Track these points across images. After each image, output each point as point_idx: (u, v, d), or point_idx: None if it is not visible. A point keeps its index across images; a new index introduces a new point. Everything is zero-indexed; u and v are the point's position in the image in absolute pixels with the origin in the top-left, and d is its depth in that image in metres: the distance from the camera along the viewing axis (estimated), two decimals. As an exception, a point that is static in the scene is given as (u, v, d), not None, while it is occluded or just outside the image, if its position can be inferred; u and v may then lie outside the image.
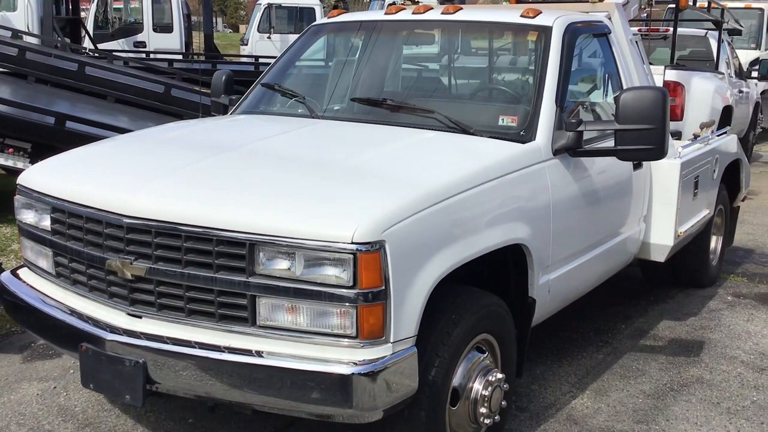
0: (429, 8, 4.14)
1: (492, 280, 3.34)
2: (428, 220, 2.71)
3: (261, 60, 12.81)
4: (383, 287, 2.53)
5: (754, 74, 11.42)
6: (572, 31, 3.88)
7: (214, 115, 4.51)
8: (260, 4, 18.32)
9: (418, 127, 3.55)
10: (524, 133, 3.49)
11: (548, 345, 4.54)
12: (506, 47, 4.22)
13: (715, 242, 5.86)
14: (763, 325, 4.98)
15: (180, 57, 14.05)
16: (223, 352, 2.64)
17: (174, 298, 2.74)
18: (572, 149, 3.52)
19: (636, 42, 4.75)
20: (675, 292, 5.61)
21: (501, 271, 3.38)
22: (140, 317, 2.81)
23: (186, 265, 2.68)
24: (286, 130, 3.58)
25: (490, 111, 3.74)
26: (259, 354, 2.61)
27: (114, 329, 2.81)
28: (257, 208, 2.65)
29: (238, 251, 2.60)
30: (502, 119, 3.58)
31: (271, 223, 2.57)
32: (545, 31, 3.80)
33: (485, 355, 3.11)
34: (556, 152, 3.51)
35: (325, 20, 4.52)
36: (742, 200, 6.31)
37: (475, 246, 2.93)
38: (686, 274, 5.60)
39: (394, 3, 5.16)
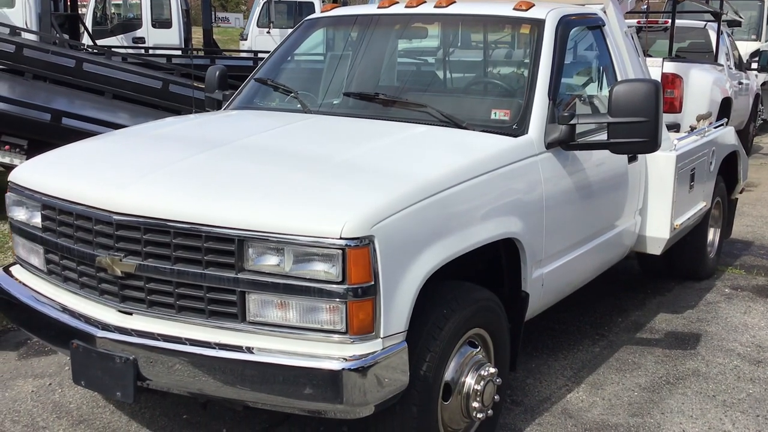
0: (422, 1, 4.12)
1: (484, 274, 3.33)
2: (419, 215, 2.71)
3: (260, 55, 12.79)
4: (372, 282, 2.52)
5: (754, 66, 11.38)
6: (565, 24, 3.86)
7: (208, 111, 4.51)
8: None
9: (410, 122, 3.54)
10: (516, 127, 3.47)
11: (544, 338, 4.53)
12: (499, 41, 4.21)
13: (713, 234, 5.85)
14: (760, 317, 4.97)
15: (179, 53, 14.04)
16: (214, 348, 2.63)
17: (164, 294, 2.73)
18: (565, 143, 3.51)
19: (631, 34, 4.73)
20: (672, 284, 5.60)
21: (494, 265, 3.37)
22: (131, 314, 2.81)
23: (175, 262, 2.68)
24: (278, 126, 3.57)
25: (483, 105, 3.73)
26: (249, 350, 2.60)
27: (105, 326, 2.81)
28: (246, 204, 2.64)
29: (227, 247, 2.59)
30: (495, 113, 3.57)
31: (260, 219, 2.56)
32: (538, 24, 3.79)
33: (478, 349, 3.11)
34: (549, 146, 3.50)
35: (318, 15, 4.51)
36: (740, 192, 6.29)
37: (467, 240, 2.92)
38: (684, 267, 5.59)
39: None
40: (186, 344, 2.67)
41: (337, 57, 4.32)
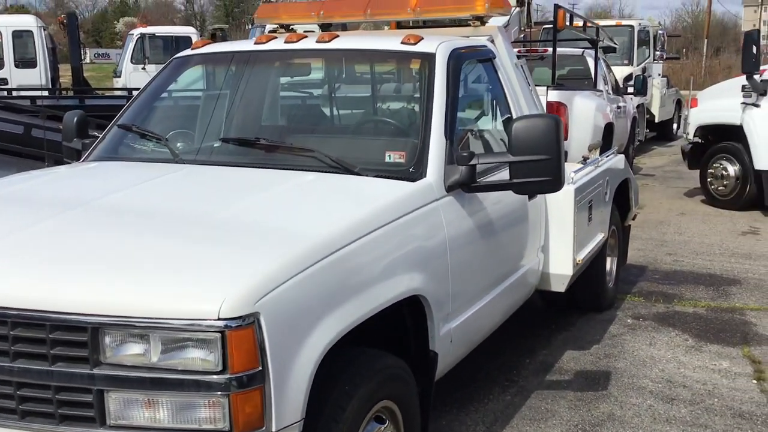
0: (303, 36, 3.79)
1: (387, 332, 2.99)
2: (311, 282, 2.34)
3: (136, 92, 12.08)
4: (260, 368, 2.13)
5: (630, 90, 11.75)
6: (456, 57, 3.62)
7: (67, 163, 3.98)
8: (132, 34, 17.53)
9: (297, 169, 3.19)
10: (414, 170, 3.18)
11: (452, 389, 4.23)
12: (388, 77, 3.93)
13: (611, 264, 5.77)
14: (665, 348, 4.88)
15: (46, 93, 13.11)
16: (68, 461, 2.15)
17: (3, 398, 2.23)
18: (466, 184, 3.24)
19: (521, 66, 4.57)
20: (575, 317, 5.46)
21: (396, 323, 3.04)
22: (-38, 424, 2.29)
23: (15, 358, 2.19)
24: (143, 180, 3.11)
25: (376, 147, 3.41)
26: (112, 461, 2.14)
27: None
28: (100, 282, 2.19)
29: (78, 337, 2.13)
30: (389, 155, 3.26)
31: (117, 301, 2.13)
32: (428, 59, 3.53)
33: (385, 425, 2.75)
34: (450, 189, 3.22)
35: (189, 52, 4.09)
36: (633, 219, 6.29)
37: (368, 304, 2.57)
38: (584, 299, 5.47)
39: (274, 31, 4.80)
40: (32, 459, 2.18)
41: (212, 98, 3.91)
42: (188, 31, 17.66)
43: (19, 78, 14.52)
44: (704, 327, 5.28)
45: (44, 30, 15.44)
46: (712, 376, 4.46)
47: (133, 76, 16.66)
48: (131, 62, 17.21)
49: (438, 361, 3.10)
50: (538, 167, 3.17)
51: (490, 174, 3.58)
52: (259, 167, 3.23)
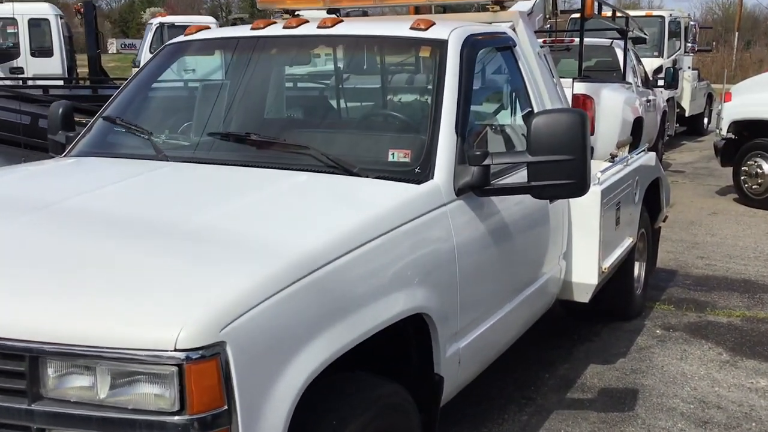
0: (303, 21, 3.45)
1: (388, 354, 2.66)
2: (290, 303, 2.01)
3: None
4: (225, 407, 1.81)
5: (660, 83, 11.27)
6: (471, 45, 3.27)
7: (51, 157, 3.69)
8: (151, 23, 17.29)
9: (290, 168, 2.86)
10: (420, 171, 2.84)
11: (464, 408, 3.89)
12: (395, 67, 3.57)
13: (639, 269, 5.38)
14: (698, 363, 4.49)
15: (60, 83, 12.90)
16: None
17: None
18: (478, 187, 2.89)
19: (545, 55, 4.20)
20: (599, 327, 5.09)
21: (397, 342, 2.70)
22: None
23: (-57, 390, 1.89)
24: (116, 180, 2.80)
25: (378, 144, 3.07)
26: None
27: None
28: (41, 304, 1.88)
29: (14, 367, 1.83)
30: (393, 154, 2.92)
31: (60, 325, 1.82)
32: (440, 46, 3.18)
33: (381, 463, 2.42)
34: (460, 192, 2.87)
35: (182, 38, 3.77)
36: (664, 221, 5.89)
37: (361, 326, 2.25)
38: (610, 307, 5.08)
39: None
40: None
41: (205, 89, 3.59)
42: (207, 20, 17.40)
43: (35, 67, 14.32)
44: (739, 340, 4.88)
45: (61, 18, 15.24)
46: (749, 396, 4.07)
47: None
48: (150, 52, 16.97)
49: (444, 385, 2.76)
50: (561, 169, 2.81)
51: (506, 175, 3.23)
52: (248, 166, 2.91)
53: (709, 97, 17.42)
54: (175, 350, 1.75)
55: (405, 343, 2.68)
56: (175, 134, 3.35)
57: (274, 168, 2.87)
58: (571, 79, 7.66)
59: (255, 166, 2.90)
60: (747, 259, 6.84)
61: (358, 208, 2.51)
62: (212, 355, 1.78)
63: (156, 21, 17.14)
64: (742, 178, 9.29)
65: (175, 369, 1.75)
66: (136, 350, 1.77)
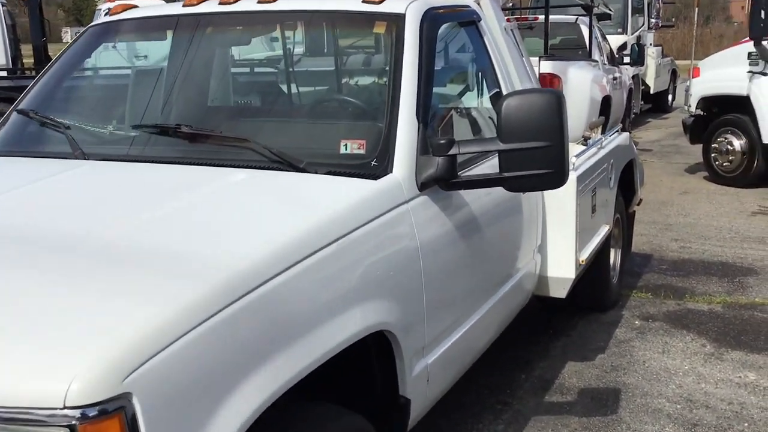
0: (244, -5, 3.05)
1: (349, 375, 2.31)
2: (221, 333, 1.65)
3: (103, 72, 11.23)
4: (133, 473, 1.44)
5: (626, 60, 11.03)
6: (432, 19, 2.91)
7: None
8: (100, 9, 16.56)
9: (228, 165, 2.48)
10: (377, 164, 2.48)
11: (434, 416, 3.55)
12: (347, 45, 3.19)
13: (615, 257, 5.10)
14: (681, 357, 4.22)
15: (4, 73, 12.21)
16: None
17: None
18: (444, 180, 2.54)
19: (512, 30, 3.86)
20: (576, 319, 4.80)
21: (357, 361, 2.35)
22: None
23: None
24: (19, 185, 2.39)
25: (328, 135, 2.69)
26: None
27: None
28: None
29: None
30: (345, 145, 2.55)
31: None
32: (396, 21, 2.81)
33: None
34: (423, 186, 2.52)
35: (106, 19, 3.35)
36: (638, 203, 5.62)
37: (311, 353, 1.89)
38: (586, 298, 4.78)
39: None
40: None
41: (135, 77, 3.18)
42: (158, 3, 16.68)
43: (-24, 58, 13.59)
44: (722, 329, 4.63)
45: (3, 6, 14.48)
46: (738, 392, 3.81)
47: (103, 55, 15.73)
48: (100, 39, 16.28)
49: (411, 408, 2.42)
50: (536, 157, 2.47)
51: (475, 164, 2.90)
52: (178, 163, 2.52)
53: (673, 74, 17.30)
54: (65, 407, 1.38)
55: (368, 363, 2.34)
56: (99, 128, 2.94)
57: (210, 165, 2.49)
58: (537, 58, 7.36)
59: (187, 164, 2.52)
60: (723, 240, 6.62)
61: (303, 212, 2.14)
62: (115, 410, 1.41)
63: (105, 6, 16.42)
64: (713, 155, 9.09)
65: (65, 431, 1.38)
66: (22, 409, 1.39)
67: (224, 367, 1.64)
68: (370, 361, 2.31)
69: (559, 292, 3.80)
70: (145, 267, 1.74)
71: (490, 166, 2.80)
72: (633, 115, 13.23)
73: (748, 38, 8.39)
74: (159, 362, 1.49)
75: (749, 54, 8.36)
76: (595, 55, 9.46)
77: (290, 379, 1.82)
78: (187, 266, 1.75)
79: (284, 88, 3.18)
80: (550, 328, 4.69)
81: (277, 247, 1.89)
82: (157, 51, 3.60)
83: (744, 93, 8.48)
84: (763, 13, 8.02)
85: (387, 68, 2.72)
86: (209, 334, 1.60)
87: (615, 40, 13.11)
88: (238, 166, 2.46)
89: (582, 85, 8.00)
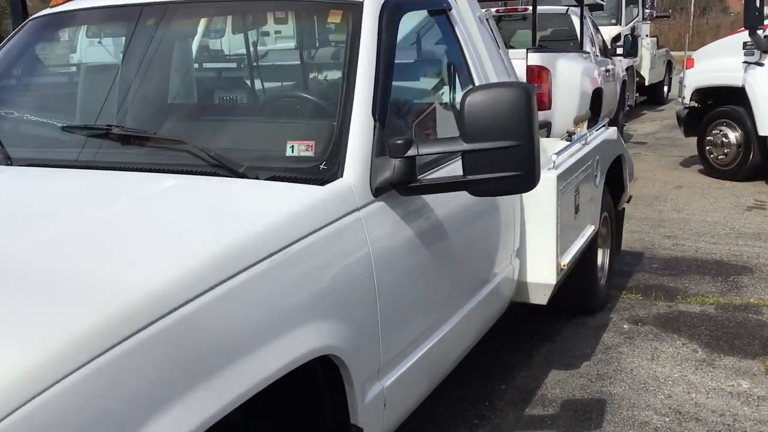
0: (187, -16, 2.82)
1: (292, 401, 2.09)
2: (117, 370, 1.42)
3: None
4: None
5: (619, 51, 10.78)
6: (394, 7, 2.67)
7: None
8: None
9: (161, 170, 2.25)
10: (326, 167, 2.24)
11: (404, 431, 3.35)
12: (296, 36, 2.95)
13: (602, 257, 4.88)
14: (671, 364, 4.00)
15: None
16: None
17: None
18: (402, 185, 2.31)
19: (487, 20, 3.62)
20: (561, 324, 4.58)
21: (307, 385, 2.12)
22: None
23: None
24: None
25: (274, 135, 2.46)
26: None
27: None
28: None
29: None
30: (292, 147, 2.31)
31: None
32: (353, 10, 2.58)
33: None
34: (378, 191, 2.29)
35: (48, 11, 3.11)
36: (628, 201, 5.39)
37: (235, 386, 1.66)
38: (572, 301, 4.57)
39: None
40: None
41: (71, 73, 2.95)
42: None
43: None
44: (715, 332, 4.41)
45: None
46: (730, 402, 3.59)
47: (90, 50, 15.51)
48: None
49: (365, 436, 2.19)
50: (503, 158, 2.24)
51: (442, 165, 2.67)
52: (108, 168, 2.29)
53: (669, 65, 17.07)
54: None
55: (317, 389, 2.11)
56: (31, 130, 2.70)
57: (143, 171, 2.26)
58: (525, 50, 7.13)
59: (118, 169, 2.28)
60: (717, 237, 6.39)
61: (233, 224, 1.90)
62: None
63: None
64: (707, 148, 8.86)
65: None
66: None
67: (120, 412, 1.41)
68: (317, 387, 2.09)
69: (540, 298, 3.58)
70: (27, 295, 1.51)
71: (455, 169, 2.56)
72: (627, 108, 13.00)
73: (743, 28, 8.16)
74: (37, 407, 1.26)
75: (744, 44, 8.12)
76: (587, 47, 9.22)
77: (212, 415, 1.59)
78: (79, 293, 1.51)
79: (230, 84, 2.94)
80: (534, 332, 4.46)
81: (194, 267, 1.66)
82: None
83: (739, 84, 8.24)
84: (758, 1, 7.78)
85: (341, 61, 2.48)
86: (98, 375, 1.37)
87: (609, 32, 12.89)
88: (173, 171, 2.23)
89: (572, 78, 7.75)
